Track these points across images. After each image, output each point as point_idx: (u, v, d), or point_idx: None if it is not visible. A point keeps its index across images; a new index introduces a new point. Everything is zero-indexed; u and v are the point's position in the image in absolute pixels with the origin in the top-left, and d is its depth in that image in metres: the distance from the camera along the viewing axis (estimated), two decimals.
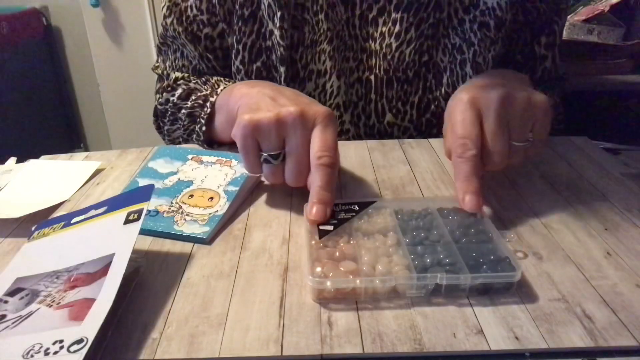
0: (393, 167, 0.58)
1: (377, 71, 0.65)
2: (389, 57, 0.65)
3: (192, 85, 0.67)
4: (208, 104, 0.61)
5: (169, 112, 0.69)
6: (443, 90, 0.66)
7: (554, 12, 0.66)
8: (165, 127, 0.72)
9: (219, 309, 0.37)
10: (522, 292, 0.38)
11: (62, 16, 2.12)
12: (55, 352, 0.32)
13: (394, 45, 0.64)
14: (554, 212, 0.48)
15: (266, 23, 0.63)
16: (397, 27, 0.63)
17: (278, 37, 0.62)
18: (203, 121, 0.61)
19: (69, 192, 0.55)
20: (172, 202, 0.50)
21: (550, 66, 0.69)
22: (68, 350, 0.32)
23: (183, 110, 0.65)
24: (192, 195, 0.50)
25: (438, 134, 0.69)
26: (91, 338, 0.32)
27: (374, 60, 0.65)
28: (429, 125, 0.68)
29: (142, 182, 0.53)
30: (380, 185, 0.54)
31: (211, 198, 0.50)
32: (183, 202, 0.50)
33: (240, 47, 0.64)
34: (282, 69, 0.63)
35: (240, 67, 0.65)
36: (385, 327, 0.35)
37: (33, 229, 0.47)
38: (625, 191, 0.52)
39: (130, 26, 1.96)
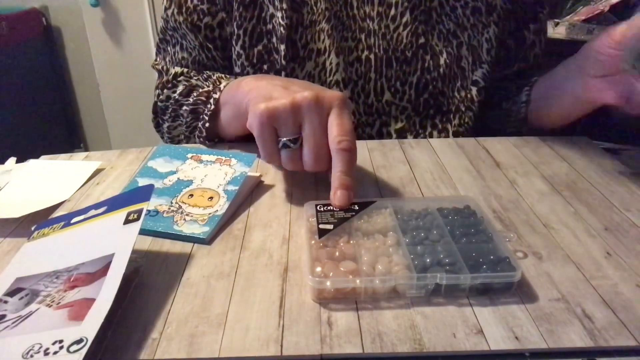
0: (393, 167, 0.58)
1: (377, 50, 0.67)
2: (387, 37, 0.66)
3: (193, 81, 0.68)
4: (212, 100, 0.61)
5: (170, 109, 0.69)
6: (441, 70, 0.68)
7: (537, 4, 0.71)
8: (166, 125, 0.72)
9: (219, 309, 0.37)
10: (522, 292, 0.38)
11: (62, 16, 2.12)
12: (55, 352, 0.32)
13: (391, 27, 0.66)
14: (554, 212, 0.48)
15: (266, 8, 0.65)
16: (393, 11, 0.66)
17: (280, 18, 0.63)
18: (207, 117, 0.61)
19: (69, 192, 0.55)
20: (171, 202, 0.50)
21: (539, 52, 0.74)
22: (68, 350, 0.32)
23: (185, 107, 0.66)
24: (191, 195, 0.50)
25: (435, 115, 0.70)
26: (91, 338, 0.32)
27: (372, 40, 0.67)
28: (426, 105, 0.70)
29: (142, 181, 0.53)
30: (380, 185, 0.54)
31: (211, 198, 0.50)
32: (183, 202, 0.50)
33: (241, 32, 0.66)
34: (282, 47, 0.64)
35: (241, 52, 0.66)
36: (385, 327, 0.35)
37: (33, 229, 0.47)
38: (625, 191, 0.52)
39: (130, 26, 1.96)
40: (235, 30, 0.66)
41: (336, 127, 0.46)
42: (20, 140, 1.95)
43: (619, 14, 1.25)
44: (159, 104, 0.72)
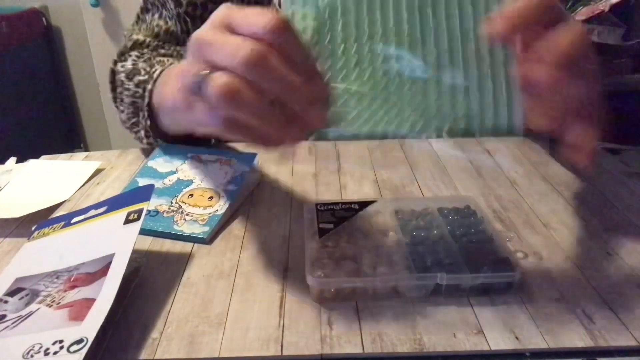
0: (393, 167, 0.58)
1: None
2: None
3: (139, 63, 0.61)
4: (146, 94, 0.55)
5: (117, 87, 0.64)
6: None
7: None
8: (114, 96, 0.66)
9: (219, 309, 0.37)
10: (522, 292, 0.38)
11: (62, 16, 2.12)
12: (55, 352, 0.32)
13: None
14: (554, 212, 0.48)
15: None
16: None
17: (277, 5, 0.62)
18: (146, 114, 0.55)
19: (69, 192, 0.55)
20: (172, 202, 0.50)
21: None
22: (68, 350, 0.32)
23: (126, 93, 0.59)
24: (191, 195, 0.50)
25: None
26: (91, 338, 0.32)
27: None
28: None
29: (142, 181, 0.53)
30: (380, 185, 0.54)
31: (211, 197, 0.50)
32: (183, 202, 0.50)
33: None
34: None
35: None
36: (385, 327, 0.35)
37: (33, 229, 0.47)
38: (625, 191, 0.52)
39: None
40: None
41: (249, 19, 0.34)
42: (20, 140, 1.95)
43: (619, 13, 1.25)
44: (115, 75, 0.65)
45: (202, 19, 0.64)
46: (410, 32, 0.36)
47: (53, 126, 2.19)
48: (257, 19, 0.34)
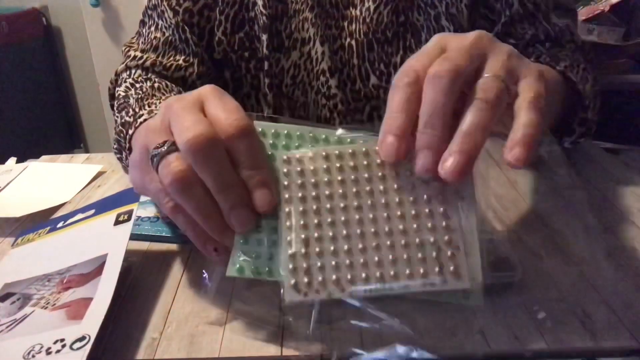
0: None
1: (357, 35, 0.66)
2: (367, 20, 0.65)
3: (131, 94, 0.59)
4: (127, 137, 0.50)
5: (113, 110, 0.63)
6: (423, 47, 0.66)
7: None
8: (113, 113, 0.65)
9: (219, 308, 0.37)
10: (522, 292, 0.38)
11: (62, 16, 2.12)
12: (58, 351, 0.32)
13: (372, 8, 0.65)
14: (553, 212, 0.48)
15: None
16: None
17: (261, 7, 0.63)
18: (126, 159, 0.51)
19: (70, 194, 0.55)
20: None
21: None
22: (71, 348, 0.32)
23: (115, 125, 0.58)
24: None
25: None
26: (93, 335, 0.32)
27: (354, 26, 0.66)
28: None
29: None
30: None
31: None
32: None
33: (222, 17, 0.64)
34: (264, 37, 0.64)
35: (222, 38, 0.65)
36: (385, 327, 0.35)
37: (16, 235, 0.47)
38: (625, 191, 0.52)
39: (130, 26, 1.96)
40: (217, 15, 0.65)
41: (221, 112, 0.34)
42: (20, 140, 1.96)
43: (619, 13, 1.25)
44: (114, 98, 0.64)
45: (199, 27, 0.65)
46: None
47: (53, 126, 2.19)
48: (228, 109, 0.34)
